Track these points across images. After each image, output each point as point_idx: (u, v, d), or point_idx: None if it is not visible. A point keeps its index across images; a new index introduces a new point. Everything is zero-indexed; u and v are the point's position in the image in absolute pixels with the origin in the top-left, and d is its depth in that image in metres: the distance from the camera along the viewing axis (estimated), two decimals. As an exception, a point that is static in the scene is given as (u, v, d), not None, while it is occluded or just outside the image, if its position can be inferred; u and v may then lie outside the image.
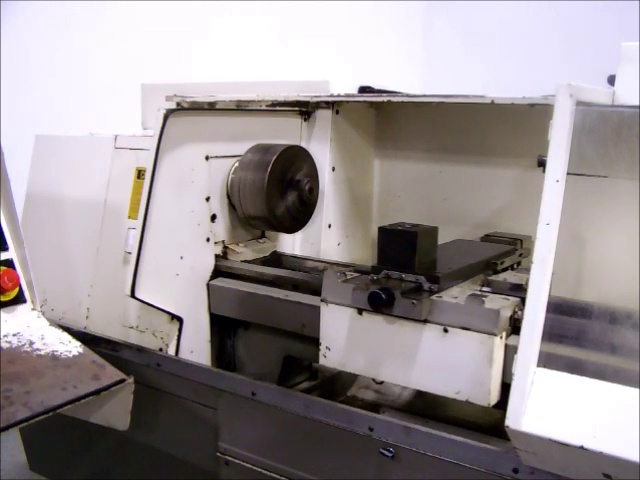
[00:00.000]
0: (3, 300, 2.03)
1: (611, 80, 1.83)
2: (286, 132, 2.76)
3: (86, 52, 4.30)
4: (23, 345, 1.98)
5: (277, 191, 2.43)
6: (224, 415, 2.15)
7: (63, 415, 1.79)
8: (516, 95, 2.07)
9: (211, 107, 2.36)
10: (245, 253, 2.54)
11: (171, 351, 2.33)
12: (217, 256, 2.48)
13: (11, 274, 2.04)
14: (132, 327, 2.43)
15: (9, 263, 2.07)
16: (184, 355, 2.35)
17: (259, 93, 2.46)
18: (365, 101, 2.85)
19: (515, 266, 2.22)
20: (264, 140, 2.54)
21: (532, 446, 1.49)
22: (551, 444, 1.43)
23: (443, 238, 1.99)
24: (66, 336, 2.06)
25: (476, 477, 1.67)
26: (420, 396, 2.42)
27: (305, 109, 2.80)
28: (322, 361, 1.92)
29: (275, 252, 2.68)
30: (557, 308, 1.54)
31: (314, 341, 1.94)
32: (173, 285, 2.33)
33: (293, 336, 2.25)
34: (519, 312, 1.72)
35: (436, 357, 1.73)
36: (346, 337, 1.85)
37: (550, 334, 1.51)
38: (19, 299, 2.07)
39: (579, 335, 1.56)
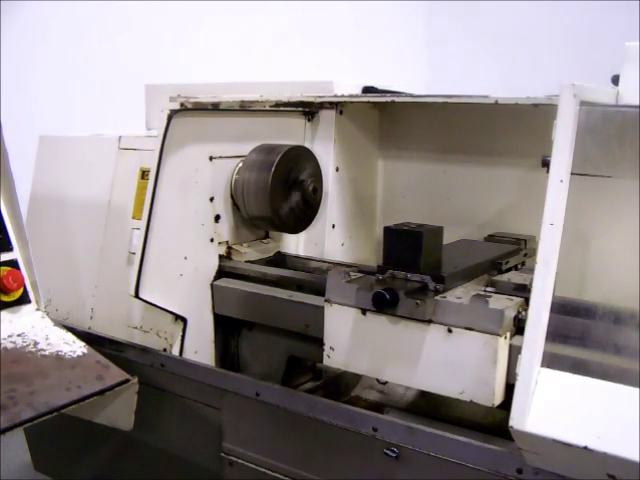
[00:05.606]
0: (8, 300, 2.04)
1: (615, 80, 1.83)
2: (290, 132, 2.76)
3: (90, 52, 4.31)
4: (27, 345, 1.98)
5: (281, 191, 2.43)
6: (228, 415, 2.15)
7: (67, 415, 1.79)
8: (520, 95, 2.07)
9: (215, 107, 2.36)
10: (249, 253, 2.54)
11: (175, 351, 2.33)
12: (221, 256, 2.48)
13: (15, 274, 2.05)
14: (136, 327, 2.43)
15: (13, 263, 2.07)
16: (188, 355, 2.35)
17: (263, 93, 2.46)
18: (369, 101, 2.84)
19: (519, 266, 2.22)
20: (268, 140, 2.54)
21: (536, 446, 1.49)
22: (555, 444, 1.42)
23: (447, 238, 1.99)
24: (70, 336, 2.07)
25: (480, 477, 1.67)
26: (424, 396, 2.41)
27: (309, 109, 2.80)
28: (326, 361, 1.91)
29: (279, 252, 2.68)
30: (561, 308, 1.54)
31: (318, 341, 1.94)
32: (177, 285, 2.33)
33: (297, 336, 2.25)
34: (523, 312, 1.72)
35: (440, 357, 1.73)
36: (350, 337, 1.85)
37: (554, 334, 1.51)
38: (23, 299, 2.08)
39: (583, 335, 1.56)
